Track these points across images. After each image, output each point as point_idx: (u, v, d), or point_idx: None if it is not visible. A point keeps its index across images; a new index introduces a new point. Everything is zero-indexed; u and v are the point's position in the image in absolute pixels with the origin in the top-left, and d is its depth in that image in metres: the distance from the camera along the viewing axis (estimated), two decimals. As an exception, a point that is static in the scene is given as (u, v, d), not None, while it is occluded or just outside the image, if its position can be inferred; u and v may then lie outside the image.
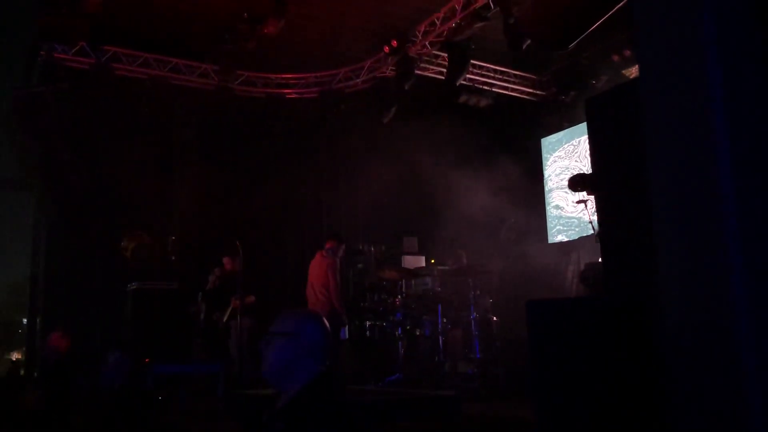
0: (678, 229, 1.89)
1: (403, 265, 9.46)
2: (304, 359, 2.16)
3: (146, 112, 9.47)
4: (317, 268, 7.29)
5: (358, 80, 10.16)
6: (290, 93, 10.44)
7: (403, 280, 7.99)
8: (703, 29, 1.98)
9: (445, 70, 9.34)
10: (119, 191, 9.10)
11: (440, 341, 7.43)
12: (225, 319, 7.80)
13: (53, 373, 5.55)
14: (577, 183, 6.19)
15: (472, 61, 9.30)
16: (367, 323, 8.14)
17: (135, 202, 9.15)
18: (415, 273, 8.22)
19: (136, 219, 8.83)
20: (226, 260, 8.10)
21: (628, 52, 8.64)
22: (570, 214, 10.35)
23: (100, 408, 3.95)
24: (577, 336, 2.50)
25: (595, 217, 6.20)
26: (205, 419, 5.88)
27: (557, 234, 10.65)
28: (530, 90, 10.68)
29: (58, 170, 8.73)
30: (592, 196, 6.32)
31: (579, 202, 8.09)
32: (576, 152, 10.47)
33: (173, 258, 8.31)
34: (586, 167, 9.48)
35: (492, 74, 10.20)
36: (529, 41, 7.81)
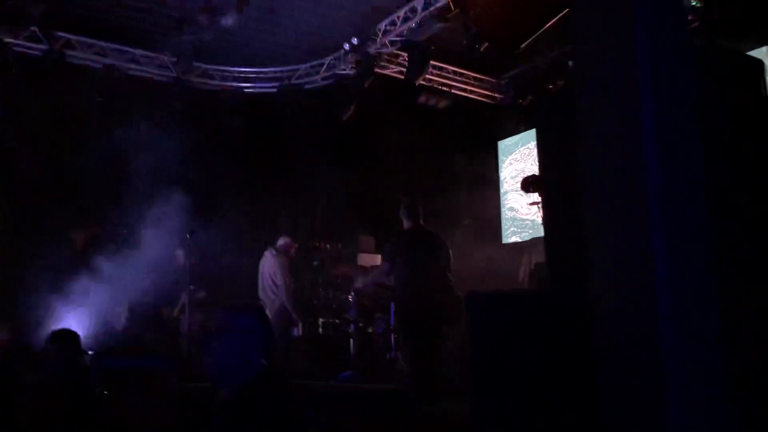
0: (607, 232, 1.96)
1: (358, 263, 9.49)
2: (246, 354, 2.14)
3: (100, 102, 9.29)
4: (268, 267, 7.27)
5: (317, 77, 10.14)
6: (248, 87, 10.35)
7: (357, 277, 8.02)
8: (635, 39, 2.05)
9: (404, 69, 9.40)
10: (70, 181, 8.90)
11: (392, 339, 7.49)
12: (175, 314, 7.70)
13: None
14: (529, 184, 6.36)
15: (431, 62, 9.38)
16: (321, 320, 8.15)
17: (87, 193, 8.95)
18: (369, 270, 8.27)
19: (88, 210, 8.64)
20: (178, 254, 8.00)
21: (583, 59, 8.81)
22: (524, 216, 10.52)
23: (43, 403, 3.85)
24: (515, 328, 2.56)
25: (546, 219, 6.37)
26: (152, 415, 5.79)
27: (511, 235, 10.82)
28: (488, 93, 10.81)
29: (4, 159, 8.48)
30: (544, 198, 6.52)
31: (532, 204, 8.25)
32: (531, 155, 10.64)
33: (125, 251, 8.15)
34: (540, 170, 9.64)
35: (451, 76, 10.30)
36: (487, 44, 7.94)
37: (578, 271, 3.02)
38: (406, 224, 6.23)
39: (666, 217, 1.82)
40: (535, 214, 8.69)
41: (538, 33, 3.85)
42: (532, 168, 10.50)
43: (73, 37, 9.00)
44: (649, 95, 2.04)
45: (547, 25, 3.73)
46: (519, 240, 10.51)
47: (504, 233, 10.95)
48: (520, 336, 2.51)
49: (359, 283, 7.08)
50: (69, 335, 3.96)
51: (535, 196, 7.52)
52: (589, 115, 2.28)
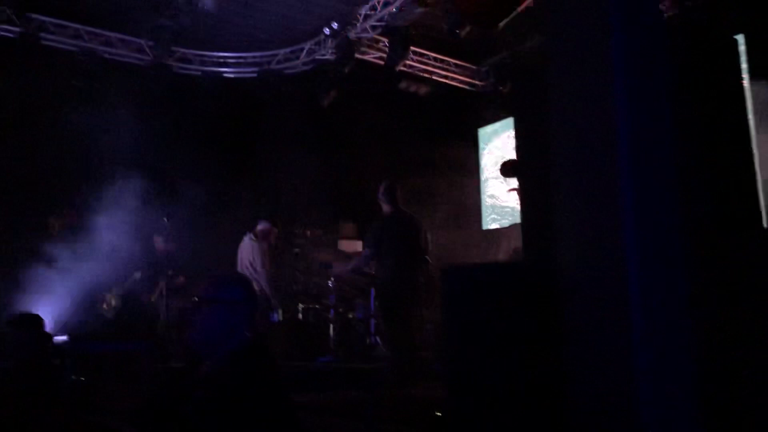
0: (577, 206, 1.98)
1: (339, 249, 9.48)
2: (231, 325, 2.11)
3: (76, 86, 9.14)
4: (246, 252, 7.25)
5: (298, 62, 10.07)
6: (228, 72, 10.26)
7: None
8: (609, 22, 2.06)
9: (385, 55, 9.36)
10: (46, 168, 8.77)
11: (372, 324, 7.52)
12: (153, 299, 7.66)
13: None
14: (507, 169, 6.39)
15: (412, 48, 9.35)
16: (300, 306, 8.15)
17: (62, 179, 8.83)
18: (349, 256, 8.27)
19: (64, 197, 8.53)
20: (156, 240, 7.95)
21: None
22: (504, 203, 10.56)
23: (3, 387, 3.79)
24: (487, 298, 2.56)
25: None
26: (129, 398, 5.76)
27: (491, 222, 10.86)
28: (469, 80, 10.81)
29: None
30: (523, 183, 6.54)
31: (511, 190, 8.28)
32: (512, 143, 10.62)
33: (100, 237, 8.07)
34: (520, 157, 9.65)
35: (432, 62, 10.28)
36: (468, 28, 7.94)
37: (553, 251, 3.04)
38: (385, 208, 6.16)
39: (636, 193, 1.84)
40: (515, 201, 8.72)
41: (516, 11, 3.86)
42: (513, 155, 10.51)
43: (47, 20, 8.84)
44: (622, 78, 2.05)
45: (524, 4, 3.74)
46: (499, 227, 10.56)
47: (484, 220, 10.99)
48: (492, 305, 2.52)
49: (337, 269, 7.06)
50: (29, 319, 3.87)
51: (514, 182, 7.55)
52: (561, 97, 2.29)
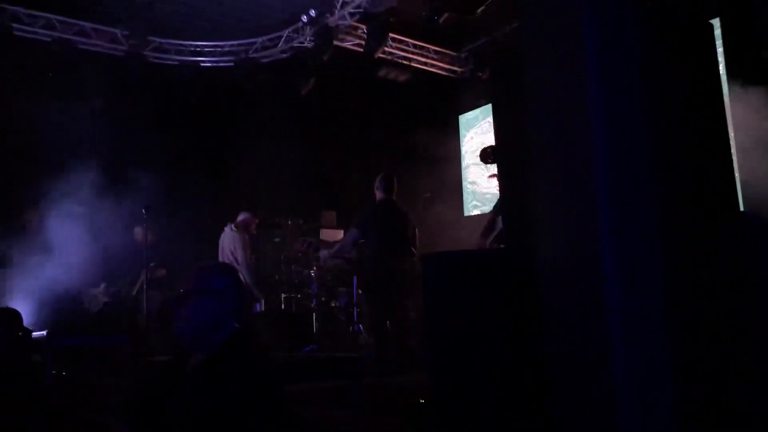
0: (554, 192, 1.98)
1: (320, 238, 9.45)
2: (219, 316, 2.08)
3: (50, 77, 8.99)
4: (227, 242, 7.22)
5: (275, 50, 9.98)
6: (205, 61, 10.14)
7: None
8: (583, 27, 2.05)
9: (364, 42, 9.31)
10: (22, 160, 8.63)
11: (355, 313, 7.53)
12: (134, 292, 7.60)
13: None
14: (487, 155, 6.40)
15: (391, 35, 9.31)
16: (283, 296, 8.13)
17: (39, 172, 8.69)
18: (330, 245, 8.24)
19: (40, 190, 8.40)
20: (136, 231, 7.86)
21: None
22: (485, 189, 10.60)
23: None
24: (469, 286, 2.57)
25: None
26: (112, 392, 5.72)
27: (473, 209, 10.90)
28: (448, 66, 10.79)
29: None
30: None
31: (491, 176, 8.29)
32: (492, 129, 10.66)
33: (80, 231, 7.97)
34: (500, 143, 9.66)
35: (411, 49, 10.24)
36: (446, 14, 7.91)
37: (533, 237, 3.05)
38: (378, 196, 6.27)
39: (611, 177, 1.85)
40: (496, 187, 8.74)
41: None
42: (493, 142, 10.52)
43: (19, 10, 8.65)
44: (596, 62, 2.06)
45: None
46: (480, 213, 10.60)
47: (466, 207, 11.03)
48: (472, 291, 2.53)
49: (325, 253, 7.09)
50: (6, 314, 3.80)
51: (494, 168, 7.57)
52: (537, 82, 2.29)
